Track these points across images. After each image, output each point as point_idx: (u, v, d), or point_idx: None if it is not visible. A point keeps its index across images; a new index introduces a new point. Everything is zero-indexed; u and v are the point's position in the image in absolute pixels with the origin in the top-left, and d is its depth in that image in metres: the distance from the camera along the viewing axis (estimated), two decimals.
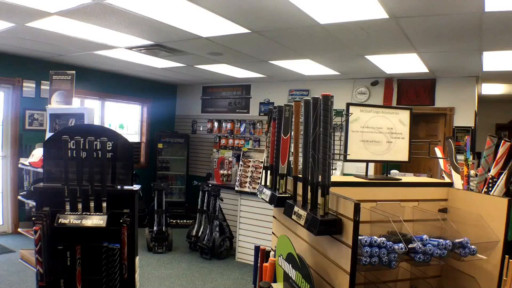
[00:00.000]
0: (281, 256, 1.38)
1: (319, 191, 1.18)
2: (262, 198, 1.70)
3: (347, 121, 1.58)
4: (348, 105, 1.59)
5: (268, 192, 1.62)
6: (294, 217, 1.28)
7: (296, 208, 1.29)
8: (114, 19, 3.65)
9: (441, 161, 2.13)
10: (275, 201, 1.51)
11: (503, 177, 1.68)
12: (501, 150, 1.74)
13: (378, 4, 2.93)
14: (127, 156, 2.27)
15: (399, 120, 1.69)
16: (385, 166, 1.68)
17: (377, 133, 1.63)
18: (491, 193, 1.68)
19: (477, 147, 5.81)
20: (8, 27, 4.12)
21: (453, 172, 1.90)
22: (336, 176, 1.75)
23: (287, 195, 1.51)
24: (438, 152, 2.17)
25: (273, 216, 1.82)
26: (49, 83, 3.62)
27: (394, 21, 3.31)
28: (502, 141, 1.74)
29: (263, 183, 1.79)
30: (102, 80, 6.98)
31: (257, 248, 1.72)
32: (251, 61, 5.40)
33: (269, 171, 1.70)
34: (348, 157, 1.56)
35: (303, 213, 1.22)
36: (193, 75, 6.93)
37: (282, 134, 1.55)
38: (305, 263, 1.20)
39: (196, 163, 8.13)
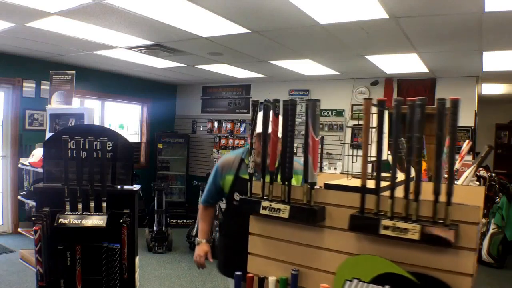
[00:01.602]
0: (356, 280, 1.21)
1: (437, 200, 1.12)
2: (265, 214, 1.39)
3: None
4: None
5: (284, 206, 1.33)
6: (392, 232, 1.14)
7: (400, 223, 1.14)
8: (114, 19, 3.64)
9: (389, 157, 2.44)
10: (323, 215, 1.29)
11: (472, 170, 1.88)
12: (465, 149, 2.11)
13: (378, 4, 2.93)
14: (127, 156, 2.26)
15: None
16: (386, 166, 1.67)
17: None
18: (458, 183, 1.90)
19: (477, 147, 5.81)
20: (8, 27, 4.12)
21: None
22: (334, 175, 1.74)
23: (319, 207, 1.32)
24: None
25: (252, 233, 1.49)
26: (49, 83, 3.62)
27: (394, 21, 3.31)
28: (467, 140, 2.17)
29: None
30: (102, 80, 6.97)
31: (238, 277, 1.43)
32: (251, 61, 5.40)
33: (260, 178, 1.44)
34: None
35: (419, 227, 1.11)
36: (193, 75, 6.93)
37: (313, 135, 1.30)
38: (436, 279, 1.13)
39: (196, 163, 8.13)
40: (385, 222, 1.14)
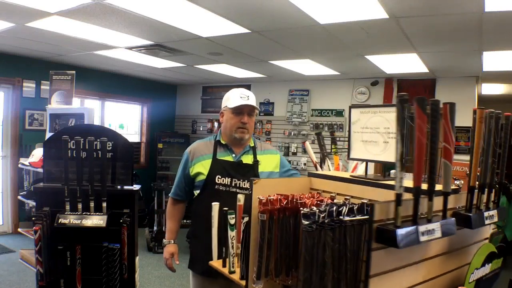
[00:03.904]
0: (476, 270, 1.40)
1: None
2: (421, 241, 1.09)
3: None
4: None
5: (436, 225, 1.14)
6: (489, 221, 1.41)
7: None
8: (114, 19, 3.65)
9: (312, 155, 2.61)
10: None
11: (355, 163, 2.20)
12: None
13: (378, 4, 2.93)
14: (127, 156, 2.26)
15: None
16: (384, 166, 1.67)
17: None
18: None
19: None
20: (8, 27, 4.12)
21: (328, 162, 2.48)
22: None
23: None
24: (309, 146, 2.71)
25: (374, 275, 1.08)
26: (49, 83, 3.62)
27: (394, 21, 3.31)
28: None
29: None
30: (102, 80, 6.97)
31: None
32: (251, 61, 5.40)
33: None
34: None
35: None
36: (193, 75, 6.93)
37: (453, 139, 1.16)
38: (502, 245, 1.49)
39: None
40: (487, 214, 1.38)
